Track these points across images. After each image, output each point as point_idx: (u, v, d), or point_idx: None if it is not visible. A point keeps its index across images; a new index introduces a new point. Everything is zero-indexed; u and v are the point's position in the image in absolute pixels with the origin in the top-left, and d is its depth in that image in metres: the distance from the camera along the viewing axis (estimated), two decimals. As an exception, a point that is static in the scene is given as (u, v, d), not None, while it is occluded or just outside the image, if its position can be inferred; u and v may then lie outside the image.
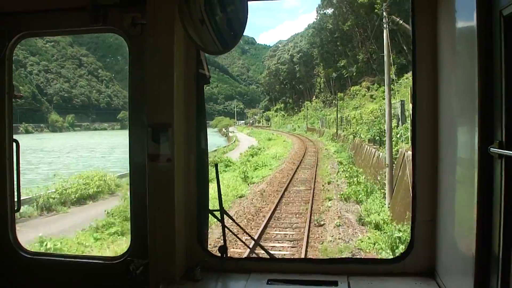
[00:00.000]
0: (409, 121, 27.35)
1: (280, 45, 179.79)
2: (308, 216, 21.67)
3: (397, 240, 16.57)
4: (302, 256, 15.89)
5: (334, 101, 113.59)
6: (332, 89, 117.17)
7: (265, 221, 20.61)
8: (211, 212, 4.18)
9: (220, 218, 4.08)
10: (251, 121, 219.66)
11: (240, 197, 28.10)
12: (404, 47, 65.92)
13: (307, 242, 17.70)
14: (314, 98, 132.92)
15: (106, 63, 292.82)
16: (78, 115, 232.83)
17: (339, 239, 18.39)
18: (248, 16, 3.26)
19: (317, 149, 60.92)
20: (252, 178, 35.53)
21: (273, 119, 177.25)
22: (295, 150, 63.78)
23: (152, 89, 3.75)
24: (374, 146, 34.93)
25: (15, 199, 4.32)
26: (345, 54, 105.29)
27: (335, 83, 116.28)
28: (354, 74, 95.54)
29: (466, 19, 2.97)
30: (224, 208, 4.12)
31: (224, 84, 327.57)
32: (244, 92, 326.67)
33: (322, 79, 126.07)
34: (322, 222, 20.89)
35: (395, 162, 25.65)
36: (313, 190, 28.77)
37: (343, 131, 67.22)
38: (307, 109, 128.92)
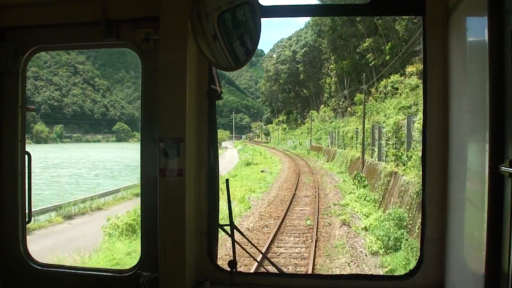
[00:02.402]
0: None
1: (281, 43, 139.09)
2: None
3: None
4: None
5: (349, 108, 73.87)
6: (347, 91, 76.42)
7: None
8: (221, 226, 3.99)
9: (230, 232, 3.93)
10: (251, 135, 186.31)
11: None
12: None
13: None
14: (322, 106, 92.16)
15: (106, 72, 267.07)
16: (69, 125, 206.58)
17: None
18: (261, 32, 3.16)
19: (316, 213, 20.07)
20: None
21: (273, 133, 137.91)
22: (259, 212, 22.84)
23: (164, 104, 3.63)
24: None
25: (27, 211, 4.15)
26: (368, 32, 64.46)
27: (351, 82, 75.78)
28: (388, 57, 54.52)
29: (477, 38, 2.91)
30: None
31: (230, 96, 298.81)
32: (251, 105, 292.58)
33: (333, 79, 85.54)
34: None
35: None
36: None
37: (384, 159, 26.23)
38: (313, 120, 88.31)
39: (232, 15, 3.22)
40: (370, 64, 58.40)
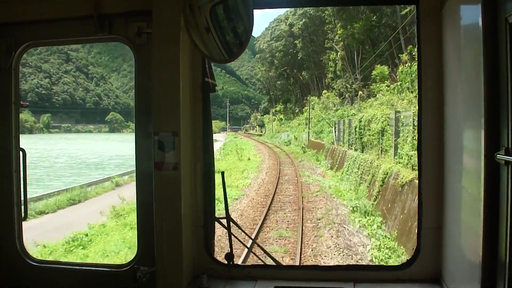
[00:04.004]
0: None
1: (277, 17, 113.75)
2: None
3: None
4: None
5: (360, 91, 51.27)
6: (358, 66, 53.19)
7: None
8: (218, 219, 3.91)
9: (226, 225, 3.86)
10: (247, 127, 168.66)
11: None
12: None
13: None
14: (324, 91, 68.38)
15: (102, 60, 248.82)
16: (58, 115, 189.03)
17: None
18: (254, 24, 3.02)
19: None
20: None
21: (268, 124, 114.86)
22: None
23: (158, 97, 3.52)
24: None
25: (22, 208, 4.01)
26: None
27: (363, 54, 52.56)
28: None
29: (472, 27, 2.83)
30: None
31: (231, 87, 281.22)
32: (251, 96, 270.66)
33: (339, 53, 61.77)
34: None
35: None
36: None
37: None
38: (312, 108, 64.91)
39: (224, 7, 3.09)
40: (402, 12, 34.99)
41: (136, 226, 3.81)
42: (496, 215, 2.48)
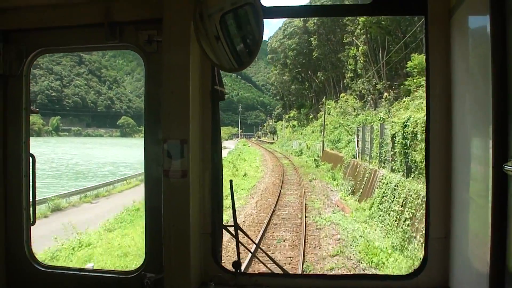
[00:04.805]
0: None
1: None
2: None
3: None
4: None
5: (386, 93, 41.88)
6: (383, 62, 43.31)
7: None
8: (226, 227, 3.84)
9: (234, 233, 3.78)
10: (260, 133, 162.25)
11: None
12: None
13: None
14: (343, 94, 58.45)
15: (116, 63, 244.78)
16: (68, 118, 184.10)
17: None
18: (264, 33, 3.05)
19: None
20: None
21: (280, 131, 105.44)
22: None
23: (168, 105, 3.51)
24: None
25: (31, 213, 3.96)
26: None
27: (391, 45, 42.66)
28: None
29: (480, 37, 2.82)
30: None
31: (246, 93, 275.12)
32: (267, 103, 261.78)
33: (360, 48, 51.61)
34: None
35: None
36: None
37: None
38: (328, 113, 55.16)
39: (234, 16, 3.07)
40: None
41: (144, 232, 3.80)
42: (504, 226, 2.46)
